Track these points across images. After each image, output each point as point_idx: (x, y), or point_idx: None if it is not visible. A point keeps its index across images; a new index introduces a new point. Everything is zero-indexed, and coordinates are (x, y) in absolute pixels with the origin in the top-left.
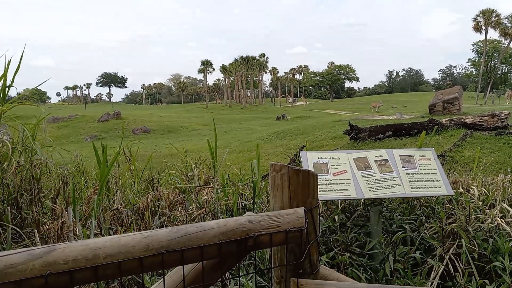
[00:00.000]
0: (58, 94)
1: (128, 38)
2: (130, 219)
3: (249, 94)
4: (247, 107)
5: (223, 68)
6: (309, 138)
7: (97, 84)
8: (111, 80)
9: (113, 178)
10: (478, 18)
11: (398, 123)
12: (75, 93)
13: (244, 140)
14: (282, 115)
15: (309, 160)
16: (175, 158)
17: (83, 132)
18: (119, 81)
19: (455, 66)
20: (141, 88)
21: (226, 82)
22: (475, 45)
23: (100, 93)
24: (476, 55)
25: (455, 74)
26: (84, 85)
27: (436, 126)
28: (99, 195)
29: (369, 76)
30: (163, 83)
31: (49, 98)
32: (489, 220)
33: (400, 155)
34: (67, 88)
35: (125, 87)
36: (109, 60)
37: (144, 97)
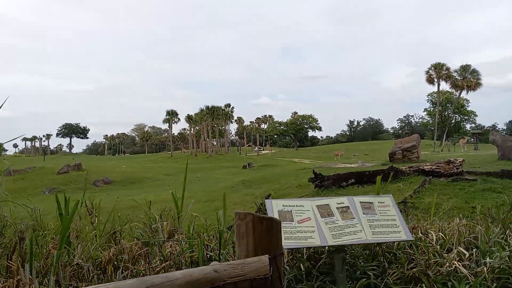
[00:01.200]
0: (15, 146)
1: (93, 88)
2: (91, 274)
3: (215, 143)
4: (213, 156)
5: (189, 118)
6: (275, 186)
7: (57, 135)
8: (72, 130)
9: (74, 232)
10: (430, 71)
11: (360, 170)
12: (33, 144)
13: (210, 190)
14: (248, 163)
15: (274, 208)
16: (138, 210)
17: (41, 185)
18: (81, 132)
19: (412, 116)
20: (103, 138)
21: (192, 132)
22: (429, 96)
23: (60, 144)
24: (431, 105)
25: (413, 123)
26: (43, 136)
27: (394, 172)
28: (59, 249)
29: (331, 125)
30: (126, 133)
31: (5, 150)
32: (447, 264)
33: (360, 202)
34: (25, 139)
35: (87, 137)
36: (71, 110)
37: (106, 147)
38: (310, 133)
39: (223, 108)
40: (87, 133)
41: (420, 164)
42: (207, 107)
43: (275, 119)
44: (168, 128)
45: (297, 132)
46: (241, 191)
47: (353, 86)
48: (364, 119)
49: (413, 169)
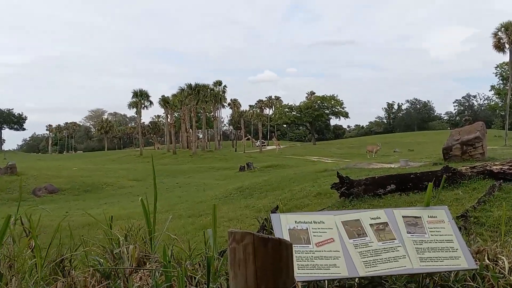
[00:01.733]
0: None
1: (30, 61)
2: None
3: (200, 136)
4: (198, 153)
5: (164, 101)
6: (285, 195)
7: None
8: (3, 119)
9: (5, 260)
10: (499, 33)
11: (403, 173)
12: None
13: (194, 201)
14: (248, 164)
15: (284, 225)
16: (95, 229)
17: None
18: (15, 121)
19: (474, 96)
20: (47, 130)
21: (169, 120)
22: (498, 68)
23: None
24: (501, 81)
25: (475, 107)
26: None
27: (450, 175)
28: None
29: (362, 110)
30: (78, 123)
31: None
32: None
33: (403, 217)
34: None
35: (23, 129)
36: (1, 92)
37: (50, 142)
38: (333, 121)
39: (212, 87)
40: (24, 122)
41: (487, 163)
42: (190, 86)
43: (284, 102)
44: (135, 115)
45: (314, 120)
46: (237, 202)
47: (388, 56)
48: (407, 101)
49: (476, 171)
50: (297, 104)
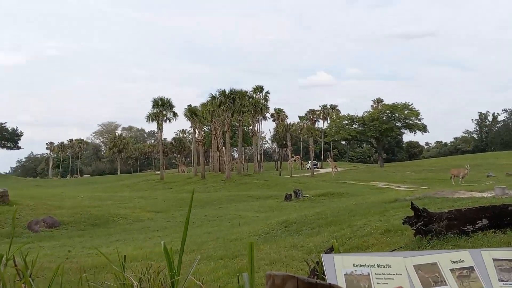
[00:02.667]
0: None
1: (26, 62)
2: None
3: (236, 156)
4: (232, 177)
5: (191, 112)
6: (343, 232)
7: None
8: None
9: None
10: None
11: (499, 204)
12: None
13: (227, 238)
14: (296, 191)
15: (338, 269)
16: (104, 272)
17: None
18: (8, 138)
19: None
20: (47, 148)
21: (197, 136)
22: None
23: None
24: None
25: None
26: None
27: None
28: None
29: (446, 122)
30: (86, 140)
31: None
32: None
33: (494, 260)
34: None
35: (18, 147)
36: None
37: (51, 164)
38: (407, 137)
39: (251, 93)
40: (19, 139)
41: None
42: (223, 93)
43: (342, 113)
44: (156, 130)
45: (382, 135)
46: (282, 240)
47: (481, 52)
48: (505, 110)
49: None
50: (360, 115)
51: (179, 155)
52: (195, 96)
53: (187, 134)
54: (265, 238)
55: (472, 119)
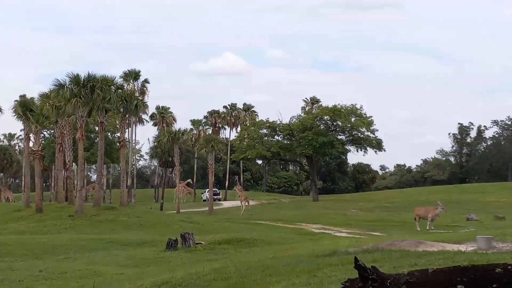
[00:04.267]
0: None
1: None
2: None
3: (94, 178)
4: (86, 212)
5: (24, 107)
6: None
7: None
8: None
9: None
10: None
11: (482, 263)
12: None
13: None
14: (184, 235)
15: None
16: None
17: None
18: None
19: None
20: None
21: (32, 145)
22: None
23: None
24: None
25: None
26: None
27: None
28: None
29: (408, 136)
30: None
31: None
32: None
33: None
34: None
35: None
36: None
37: None
38: (353, 157)
39: (121, 81)
40: None
41: None
42: (76, 78)
43: (260, 117)
44: None
45: (317, 153)
46: None
47: (464, 35)
48: (495, 122)
49: None
50: (286, 121)
51: (1, 174)
52: (31, 82)
53: (16, 141)
54: None
55: (449, 134)
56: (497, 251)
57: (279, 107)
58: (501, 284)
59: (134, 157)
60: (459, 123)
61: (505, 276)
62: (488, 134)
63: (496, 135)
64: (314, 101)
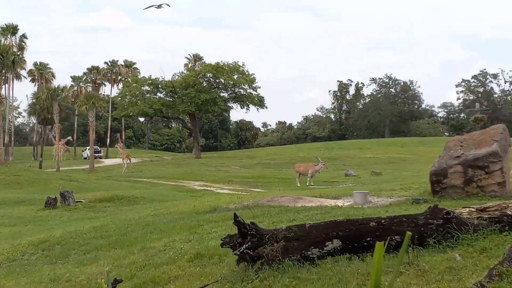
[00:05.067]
0: None
1: None
2: None
3: None
4: None
5: None
6: (133, 257)
7: None
8: None
9: None
10: None
11: (358, 218)
12: None
13: None
14: (63, 193)
15: None
16: None
17: None
18: None
19: (496, 76)
20: None
21: None
22: None
23: None
24: None
25: (495, 95)
26: None
27: (443, 223)
28: None
29: (289, 94)
30: None
31: None
32: None
33: None
34: None
35: None
36: None
37: None
38: (236, 114)
39: None
40: None
41: (508, 204)
42: None
43: (141, 74)
44: None
45: (200, 110)
46: (37, 271)
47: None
48: (373, 80)
49: (489, 216)
50: (168, 78)
51: None
52: None
53: None
54: (10, 268)
55: (329, 91)
56: (373, 205)
57: (162, 64)
58: (375, 237)
59: (12, 114)
60: (338, 81)
61: (378, 229)
62: (367, 91)
63: (374, 93)
64: (197, 58)
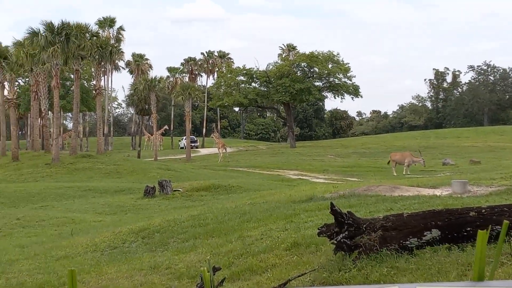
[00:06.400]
0: None
1: None
2: None
3: (70, 126)
4: (63, 160)
5: None
6: (231, 246)
7: None
8: None
9: None
10: None
11: (457, 207)
12: None
13: (51, 255)
14: (161, 182)
15: None
16: None
17: None
18: None
19: None
20: None
21: (7, 93)
22: None
23: None
24: None
25: None
26: None
27: None
28: None
29: (385, 82)
30: None
31: None
32: None
33: None
34: None
35: None
36: None
37: None
38: (330, 104)
39: (96, 28)
40: None
41: None
42: (50, 26)
43: (236, 64)
44: None
45: (294, 100)
46: (137, 258)
47: None
48: (471, 67)
49: None
50: (263, 68)
51: None
52: (6, 29)
53: None
54: (112, 256)
55: (424, 80)
56: (472, 195)
57: (255, 53)
58: (475, 227)
59: (111, 105)
60: (434, 69)
61: (478, 219)
62: (464, 79)
63: (472, 80)
64: (290, 48)
